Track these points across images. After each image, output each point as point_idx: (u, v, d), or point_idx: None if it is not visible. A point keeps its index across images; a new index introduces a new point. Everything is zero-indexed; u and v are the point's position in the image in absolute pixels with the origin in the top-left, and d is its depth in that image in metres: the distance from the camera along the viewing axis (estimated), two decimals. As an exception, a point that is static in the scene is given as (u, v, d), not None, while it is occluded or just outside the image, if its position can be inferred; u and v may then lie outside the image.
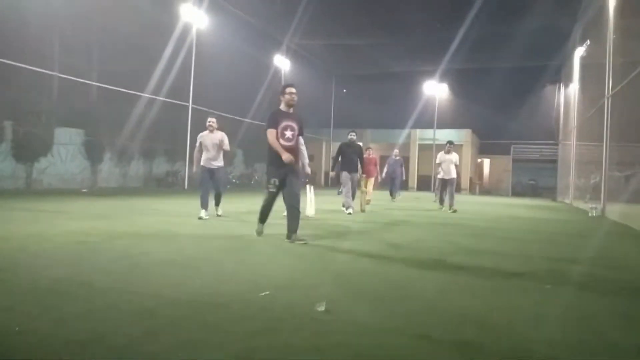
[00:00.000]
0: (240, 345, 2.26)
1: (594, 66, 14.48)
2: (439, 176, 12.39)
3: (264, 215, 5.93)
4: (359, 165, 10.42)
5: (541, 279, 4.10)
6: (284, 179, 5.62)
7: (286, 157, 5.46)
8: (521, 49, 23.74)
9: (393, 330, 2.57)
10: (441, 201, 12.66)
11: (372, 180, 12.85)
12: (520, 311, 3.06)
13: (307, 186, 9.23)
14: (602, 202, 12.09)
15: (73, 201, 11.19)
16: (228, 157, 8.66)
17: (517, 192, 30.20)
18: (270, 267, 4.20)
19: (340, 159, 10.43)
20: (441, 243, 6.18)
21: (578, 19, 18.40)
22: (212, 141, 8.23)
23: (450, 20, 21.76)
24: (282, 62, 27.18)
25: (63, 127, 16.92)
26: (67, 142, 17.25)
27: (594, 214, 11.96)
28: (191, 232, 6.41)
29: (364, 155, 10.99)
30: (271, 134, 5.58)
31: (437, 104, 32.45)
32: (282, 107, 5.73)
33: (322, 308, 2.85)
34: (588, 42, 16.65)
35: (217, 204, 8.56)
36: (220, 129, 8.40)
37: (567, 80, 22.33)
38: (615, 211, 11.01)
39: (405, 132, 31.95)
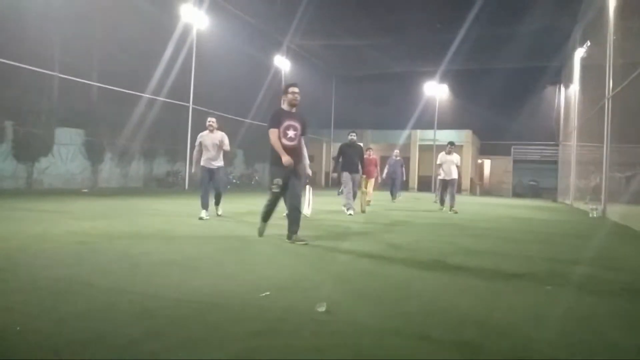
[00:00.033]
0: (241, 346, 2.26)
1: (594, 67, 14.49)
2: (440, 177, 12.36)
3: (267, 215, 5.85)
4: (360, 166, 10.43)
5: (541, 279, 4.10)
6: (287, 180, 5.58)
7: (286, 159, 5.42)
8: (521, 49, 23.77)
9: (393, 331, 2.57)
10: (441, 202, 12.66)
11: (372, 181, 12.86)
12: (520, 312, 3.06)
13: (306, 187, 9.23)
14: (602, 203, 12.09)
15: (74, 201, 11.20)
16: (228, 157, 8.65)
17: (517, 193, 30.20)
18: (270, 268, 4.20)
19: (341, 160, 10.43)
20: (441, 244, 6.18)
21: (578, 20, 18.42)
22: (212, 141, 8.22)
23: (450, 21, 21.77)
24: (282, 63, 27.19)
25: (63, 127, 16.94)
26: (68, 142, 17.26)
27: (595, 215, 11.96)
28: (191, 232, 6.41)
29: (365, 156, 10.99)
30: (273, 133, 5.54)
31: (437, 105, 32.46)
32: (285, 106, 5.70)
33: (322, 309, 2.85)
34: (588, 43, 16.66)
35: (217, 203, 8.56)
36: (220, 129, 8.40)
37: (568, 81, 22.34)
38: (616, 212, 11.01)
39: (406, 132, 31.96)
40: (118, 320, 2.56)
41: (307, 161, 6.62)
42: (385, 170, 16.06)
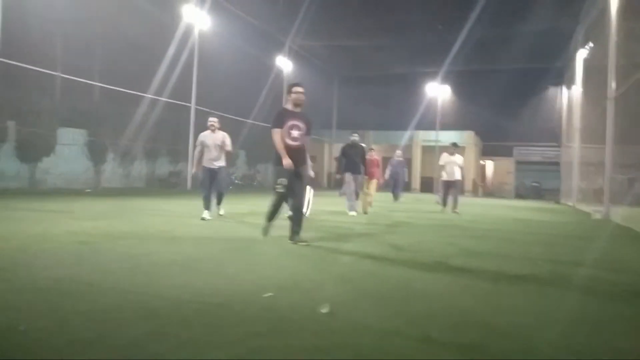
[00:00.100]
0: (243, 346, 2.26)
1: (597, 68, 14.47)
2: (443, 178, 12.30)
3: (272, 215, 5.80)
4: (363, 167, 10.41)
5: (544, 281, 4.09)
6: (291, 180, 5.52)
7: (286, 162, 5.40)
8: (523, 50, 23.77)
9: (396, 332, 2.57)
10: (444, 203, 12.61)
11: (374, 182, 12.83)
12: (523, 314, 3.05)
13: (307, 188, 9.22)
14: (605, 204, 12.05)
15: (76, 201, 11.22)
16: (230, 157, 8.63)
17: (520, 195, 30.15)
18: (272, 268, 4.20)
19: (344, 161, 10.42)
20: (443, 245, 6.17)
21: (580, 21, 18.39)
22: (214, 141, 8.20)
23: (452, 22, 21.77)
24: (284, 63, 27.21)
25: (66, 128, 16.98)
26: (70, 142, 17.31)
27: (598, 217, 11.92)
28: (194, 232, 6.41)
29: (367, 157, 10.97)
30: (275, 134, 5.50)
31: (439, 106, 32.44)
32: (289, 106, 5.67)
33: (325, 310, 2.84)
34: (591, 44, 16.63)
35: (218, 203, 8.50)
36: (221, 129, 8.39)
37: (570, 82, 22.30)
38: (619, 214, 10.98)
39: (408, 133, 31.93)
40: (120, 321, 2.56)
41: (309, 162, 6.60)
42: (388, 171, 16.05)
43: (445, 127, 31.94)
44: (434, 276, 4.13)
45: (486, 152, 35.54)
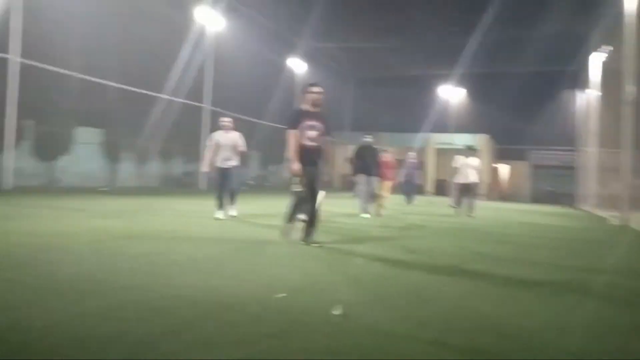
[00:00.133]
0: (256, 346, 2.27)
1: (614, 71, 14.26)
2: (457, 180, 12.15)
3: (291, 216, 5.70)
4: (376, 169, 10.38)
5: (560, 287, 4.04)
6: (307, 180, 5.47)
7: (294, 167, 5.36)
8: (539, 53, 23.53)
9: (409, 336, 2.56)
10: (457, 204, 12.44)
11: (388, 184, 12.78)
12: (539, 320, 3.01)
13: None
14: (623, 210, 11.85)
15: (92, 199, 11.36)
16: (244, 157, 8.65)
17: (535, 199, 29.79)
18: (286, 269, 4.21)
19: (357, 162, 10.40)
20: (458, 249, 6.12)
21: (597, 24, 18.14)
22: (227, 141, 8.23)
23: (467, 25, 21.59)
24: (299, 65, 27.27)
25: (83, 127, 17.22)
26: (87, 141, 17.54)
27: (615, 222, 11.74)
28: (207, 232, 6.45)
29: (380, 159, 10.94)
30: (290, 135, 5.46)
31: (453, 109, 32.23)
32: (306, 106, 5.62)
33: (338, 312, 2.84)
34: (608, 47, 16.41)
35: (231, 202, 8.46)
36: (234, 129, 8.42)
37: (587, 86, 22.02)
38: (638, 220, 10.79)
39: (422, 136, 31.75)
40: (136, 319, 2.59)
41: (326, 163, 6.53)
42: (401, 173, 15.98)
43: (459, 129, 31.70)
44: (448, 280, 4.10)
45: (501, 155, 35.17)
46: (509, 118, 30.42)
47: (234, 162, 8.28)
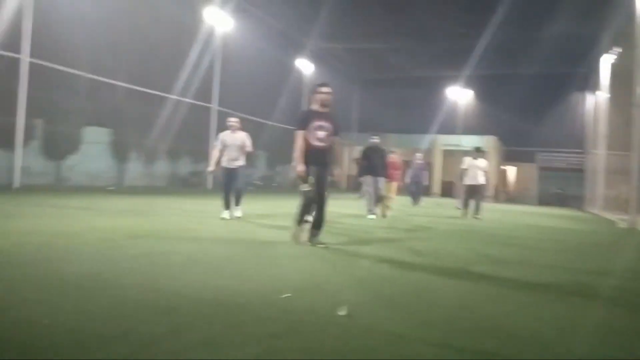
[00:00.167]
0: (261, 346, 2.27)
1: (624, 73, 14.15)
2: (465, 182, 12.09)
3: (301, 217, 5.63)
4: (383, 170, 10.36)
5: (567, 290, 4.01)
6: (315, 180, 5.42)
7: (299, 169, 5.35)
8: (548, 55, 23.38)
9: (414, 338, 2.55)
10: (464, 206, 12.38)
11: (394, 185, 12.75)
12: (545, 323, 2.99)
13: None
14: (631, 213, 11.76)
15: (100, 198, 11.44)
16: (251, 158, 8.66)
17: (543, 201, 29.61)
18: (291, 270, 4.21)
19: (364, 163, 10.38)
20: (464, 251, 6.09)
21: (606, 26, 17.99)
22: (234, 141, 8.25)
23: (475, 26, 21.51)
24: (306, 66, 27.30)
25: (91, 126, 17.33)
26: (95, 140, 17.66)
27: (623, 226, 11.64)
28: (213, 232, 6.47)
29: (388, 160, 10.91)
30: (297, 136, 5.44)
31: (461, 110, 32.12)
32: (315, 106, 5.59)
33: (343, 312, 2.84)
34: (618, 49, 16.29)
35: (237, 203, 8.45)
36: (241, 130, 8.44)
37: (596, 88, 21.86)
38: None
39: (429, 137, 31.67)
40: (141, 317, 2.60)
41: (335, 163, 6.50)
42: (408, 174, 15.93)
43: (467, 131, 31.58)
44: (454, 282, 4.08)
45: (508, 157, 34.99)
46: (517, 120, 30.28)
47: (240, 162, 8.30)
